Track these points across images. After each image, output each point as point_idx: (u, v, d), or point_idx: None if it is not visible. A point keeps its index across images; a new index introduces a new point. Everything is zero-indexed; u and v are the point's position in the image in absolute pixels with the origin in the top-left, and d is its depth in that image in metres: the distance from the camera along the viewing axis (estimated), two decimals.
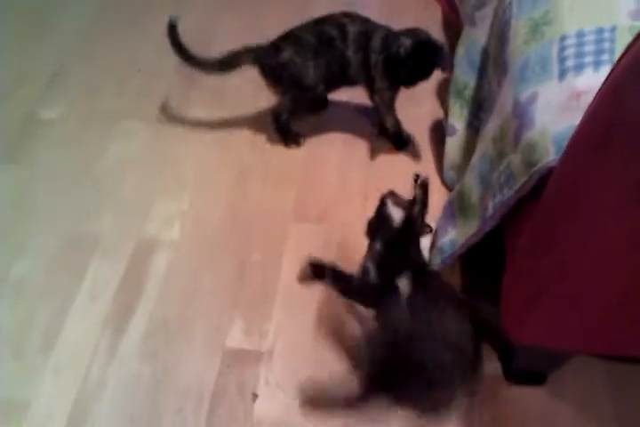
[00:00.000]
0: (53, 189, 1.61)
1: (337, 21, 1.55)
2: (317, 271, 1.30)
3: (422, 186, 1.28)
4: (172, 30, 1.58)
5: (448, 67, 1.52)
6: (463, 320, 1.18)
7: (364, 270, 1.30)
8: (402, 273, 1.23)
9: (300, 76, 1.56)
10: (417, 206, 1.25)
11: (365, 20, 1.57)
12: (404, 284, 1.22)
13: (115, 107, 1.80)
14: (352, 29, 1.54)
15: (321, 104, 1.66)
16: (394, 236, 1.29)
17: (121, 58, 1.95)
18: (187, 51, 1.61)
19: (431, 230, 1.36)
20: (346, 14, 1.57)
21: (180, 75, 1.88)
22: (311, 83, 1.57)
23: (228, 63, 1.60)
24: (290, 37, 1.56)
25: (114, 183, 1.62)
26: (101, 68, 1.92)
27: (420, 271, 1.26)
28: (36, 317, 1.36)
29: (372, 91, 1.61)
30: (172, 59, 1.92)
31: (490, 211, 1.11)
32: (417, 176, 1.27)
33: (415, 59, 1.48)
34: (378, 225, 1.34)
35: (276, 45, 1.56)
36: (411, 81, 1.52)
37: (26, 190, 1.60)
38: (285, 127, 1.68)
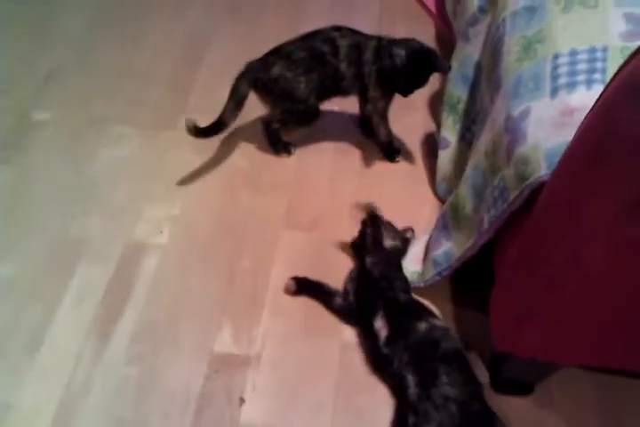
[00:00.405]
0: (44, 191, 1.60)
1: (327, 36, 1.56)
2: (301, 286, 1.38)
3: (370, 216, 1.37)
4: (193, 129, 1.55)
5: (446, 68, 1.53)
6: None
7: (345, 291, 1.34)
8: (376, 307, 1.27)
9: (292, 90, 1.57)
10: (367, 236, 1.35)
11: (356, 33, 1.59)
12: (379, 324, 1.25)
13: (107, 111, 1.80)
14: (343, 43, 1.55)
15: (312, 115, 1.67)
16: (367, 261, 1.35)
17: (115, 63, 1.95)
18: (206, 131, 1.58)
19: (413, 232, 1.42)
20: (336, 28, 1.58)
21: (173, 81, 1.90)
22: (302, 96, 1.58)
23: (236, 98, 1.58)
24: (280, 52, 1.57)
25: (104, 187, 1.62)
26: (95, 72, 1.92)
27: (394, 304, 1.28)
28: (22, 318, 1.36)
29: (364, 100, 1.63)
30: (166, 64, 1.95)
31: (485, 225, 1.13)
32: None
33: (411, 68, 1.49)
34: (360, 246, 1.37)
35: (266, 60, 1.57)
36: (408, 90, 1.54)
37: (16, 192, 1.60)
38: (276, 136, 1.70)
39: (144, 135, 1.74)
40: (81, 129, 1.76)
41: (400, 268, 1.37)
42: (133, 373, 1.28)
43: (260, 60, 1.58)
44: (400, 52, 1.49)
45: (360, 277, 1.35)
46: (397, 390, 1.21)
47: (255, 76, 1.57)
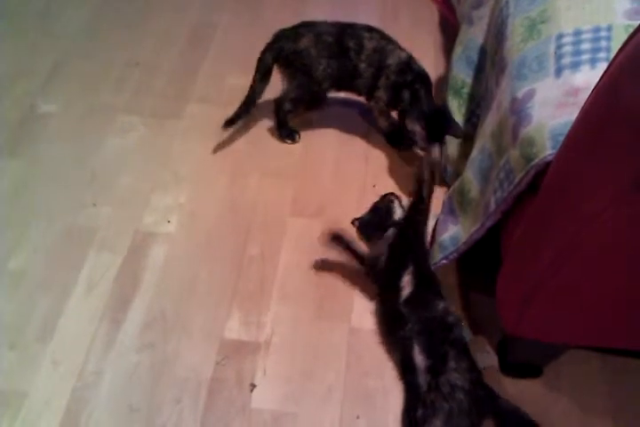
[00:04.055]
0: (52, 182, 1.61)
1: (357, 33, 1.58)
2: (336, 239, 1.38)
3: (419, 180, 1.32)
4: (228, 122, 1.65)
5: (458, 134, 1.51)
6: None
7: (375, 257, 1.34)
8: (407, 262, 1.27)
9: (312, 67, 1.59)
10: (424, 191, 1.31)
11: (386, 38, 1.59)
12: (406, 280, 1.25)
13: (113, 101, 1.81)
14: (369, 46, 1.57)
15: (321, 100, 1.68)
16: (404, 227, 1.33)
17: (120, 52, 1.95)
18: (238, 113, 1.65)
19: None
20: (369, 28, 1.60)
21: (178, 70, 1.90)
22: (319, 77, 1.60)
23: (263, 70, 1.62)
24: (312, 29, 1.60)
25: (112, 176, 1.63)
26: (100, 62, 1.93)
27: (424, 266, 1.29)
28: (33, 308, 1.37)
29: (370, 97, 1.63)
30: (171, 54, 1.95)
31: (492, 206, 1.13)
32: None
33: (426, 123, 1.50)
34: (377, 221, 1.37)
35: (297, 31, 1.60)
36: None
37: (24, 183, 1.61)
38: (284, 119, 1.70)
39: (150, 124, 1.75)
40: (87, 119, 1.76)
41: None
42: (145, 360, 1.29)
43: (290, 29, 1.61)
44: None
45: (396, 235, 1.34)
46: (403, 362, 1.21)
47: (282, 46, 1.59)
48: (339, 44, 1.57)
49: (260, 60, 1.62)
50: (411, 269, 1.26)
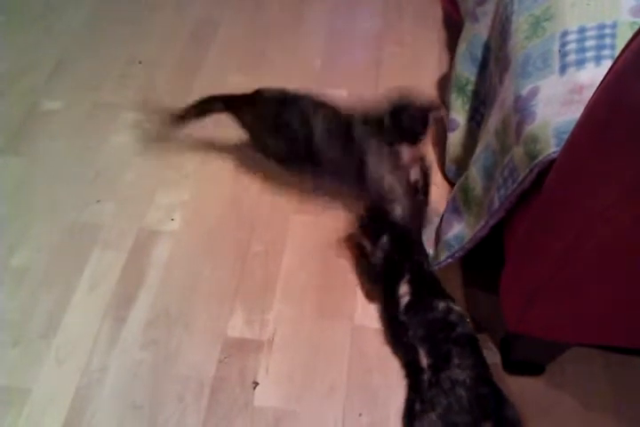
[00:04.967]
0: (55, 179, 1.61)
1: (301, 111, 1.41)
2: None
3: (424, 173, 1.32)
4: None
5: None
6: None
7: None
8: (403, 275, 1.27)
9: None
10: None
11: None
12: (403, 290, 1.25)
13: (116, 98, 1.81)
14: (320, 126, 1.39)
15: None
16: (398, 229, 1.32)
17: (122, 49, 1.95)
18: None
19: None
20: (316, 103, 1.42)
21: (180, 67, 1.90)
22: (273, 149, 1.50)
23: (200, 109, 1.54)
24: (252, 102, 1.47)
25: (115, 174, 1.63)
26: (103, 60, 1.92)
27: (420, 271, 1.29)
28: (37, 305, 1.37)
29: None
30: (173, 51, 1.95)
31: (496, 204, 1.12)
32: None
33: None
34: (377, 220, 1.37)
35: (241, 106, 1.49)
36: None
37: (28, 180, 1.61)
38: None
39: (153, 121, 1.74)
40: (90, 116, 1.76)
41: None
42: (148, 358, 1.29)
43: (241, 97, 1.49)
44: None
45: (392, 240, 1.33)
46: (409, 364, 1.22)
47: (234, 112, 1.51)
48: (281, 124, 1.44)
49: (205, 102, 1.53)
50: (407, 277, 1.26)
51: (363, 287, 1.39)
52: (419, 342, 1.18)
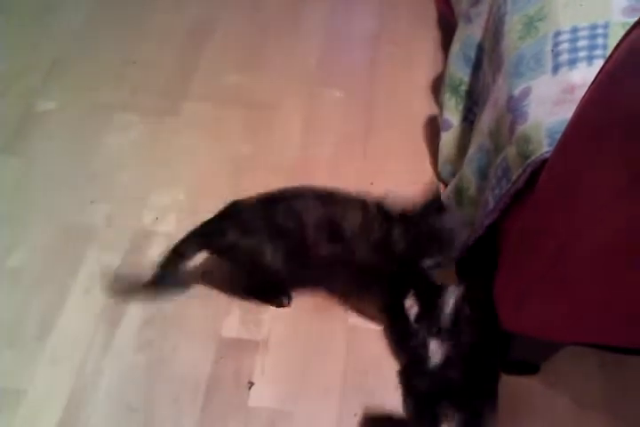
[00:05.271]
0: (51, 180, 1.61)
1: (291, 208, 1.24)
2: None
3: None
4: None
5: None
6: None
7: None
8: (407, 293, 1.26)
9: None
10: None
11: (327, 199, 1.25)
12: (409, 304, 1.25)
13: (111, 99, 1.81)
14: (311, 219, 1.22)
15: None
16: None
17: (118, 50, 1.95)
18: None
19: None
20: (298, 193, 1.27)
21: (176, 68, 1.90)
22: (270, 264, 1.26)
23: (175, 256, 1.30)
24: (234, 217, 1.28)
25: (110, 174, 1.62)
26: (99, 60, 1.92)
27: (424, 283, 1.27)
28: (32, 306, 1.37)
29: None
30: (169, 52, 1.95)
31: (490, 204, 1.13)
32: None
33: None
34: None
35: (220, 227, 1.27)
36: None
37: (23, 181, 1.61)
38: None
39: (148, 122, 1.75)
40: (86, 117, 1.76)
41: None
42: (143, 359, 1.29)
43: (213, 224, 1.29)
44: None
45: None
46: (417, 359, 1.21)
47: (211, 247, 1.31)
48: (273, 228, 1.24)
49: (181, 244, 1.30)
50: (412, 293, 1.25)
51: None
52: (430, 338, 1.19)
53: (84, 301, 1.38)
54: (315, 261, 1.25)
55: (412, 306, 1.25)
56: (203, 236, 1.29)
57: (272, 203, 1.26)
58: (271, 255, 1.23)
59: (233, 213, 1.28)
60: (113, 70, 1.90)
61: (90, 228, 1.51)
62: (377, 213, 1.21)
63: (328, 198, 1.24)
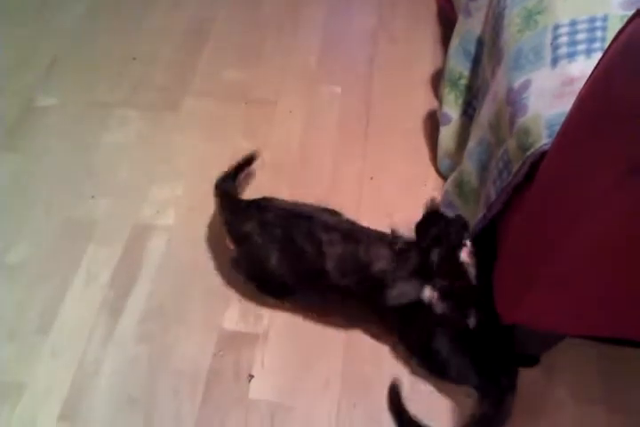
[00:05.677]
0: (50, 175, 1.62)
1: (313, 234, 1.25)
2: None
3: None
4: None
5: None
6: None
7: None
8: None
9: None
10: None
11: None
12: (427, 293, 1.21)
13: (111, 95, 1.81)
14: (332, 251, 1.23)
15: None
16: None
17: (118, 46, 1.95)
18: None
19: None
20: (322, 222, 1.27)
21: (175, 64, 1.90)
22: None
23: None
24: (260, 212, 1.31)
25: (110, 170, 1.63)
26: (99, 56, 1.92)
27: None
28: (33, 300, 1.38)
29: None
30: (168, 48, 1.95)
31: (492, 197, 1.13)
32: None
33: None
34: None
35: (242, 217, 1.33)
36: None
37: (23, 177, 1.61)
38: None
39: (147, 118, 1.75)
40: (85, 114, 1.76)
41: None
42: (143, 351, 1.30)
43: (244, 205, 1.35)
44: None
45: None
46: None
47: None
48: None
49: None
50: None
51: None
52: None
53: (84, 294, 1.39)
54: (327, 286, 1.25)
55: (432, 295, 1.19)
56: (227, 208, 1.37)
57: (296, 218, 1.28)
58: (277, 262, 1.26)
59: (261, 208, 1.32)
60: (113, 66, 1.90)
61: (90, 222, 1.52)
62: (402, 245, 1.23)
63: (349, 234, 1.25)
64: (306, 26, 2.02)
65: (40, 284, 1.40)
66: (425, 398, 1.23)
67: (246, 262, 1.34)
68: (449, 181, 1.38)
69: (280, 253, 1.26)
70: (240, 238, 1.33)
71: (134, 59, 1.92)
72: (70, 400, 1.24)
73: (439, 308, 1.18)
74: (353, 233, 1.26)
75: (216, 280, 1.40)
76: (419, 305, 1.19)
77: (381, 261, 1.21)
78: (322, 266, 1.22)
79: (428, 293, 1.18)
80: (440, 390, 1.24)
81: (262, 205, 1.33)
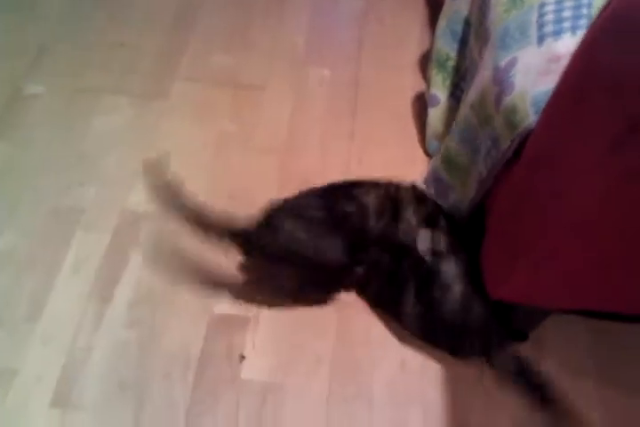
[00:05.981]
0: (38, 162, 1.61)
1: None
2: None
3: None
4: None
5: None
6: None
7: None
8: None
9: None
10: None
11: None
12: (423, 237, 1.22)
13: (99, 82, 1.80)
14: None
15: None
16: None
17: (105, 32, 1.93)
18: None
19: None
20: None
21: (164, 50, 1.89)
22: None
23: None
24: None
25: (99, 157, 1.62)
26: (86, 43, 1.91)
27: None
28: (21, 287, 1.37)
29: None
30: (156, 34, 1.94)
31: (483, 173, 1.13)
32: None
33: None
34: None
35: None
36: None
37: (11, 164, 1.60)
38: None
39: (136, 104, 1.74)
40: (74, 100, 1.75)
41: None
42: (134, 336, 1.30)
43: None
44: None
45: None
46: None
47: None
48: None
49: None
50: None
51: None
52: None
53: (73, 281, 1.38)
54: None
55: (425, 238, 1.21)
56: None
57: (319, 194, 1.31)
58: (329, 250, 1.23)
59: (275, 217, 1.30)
60: (100, 53, 1.88)
61: (78, 210, 1.51)
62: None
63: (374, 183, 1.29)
64: (293, 8, 2.01)
65: (29, 271, 1.39)
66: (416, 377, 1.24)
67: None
68: (435, 159, 1.38)
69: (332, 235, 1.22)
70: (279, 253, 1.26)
71: (122, 45, 1.90)
72: (61, 386, 1.23)
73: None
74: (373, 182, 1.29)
75: (207, 264, 1.40)
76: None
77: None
78: (367, 218, 1.22)
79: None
80: (430, 367, 1.25)
81: (274, 214, 1.30)
